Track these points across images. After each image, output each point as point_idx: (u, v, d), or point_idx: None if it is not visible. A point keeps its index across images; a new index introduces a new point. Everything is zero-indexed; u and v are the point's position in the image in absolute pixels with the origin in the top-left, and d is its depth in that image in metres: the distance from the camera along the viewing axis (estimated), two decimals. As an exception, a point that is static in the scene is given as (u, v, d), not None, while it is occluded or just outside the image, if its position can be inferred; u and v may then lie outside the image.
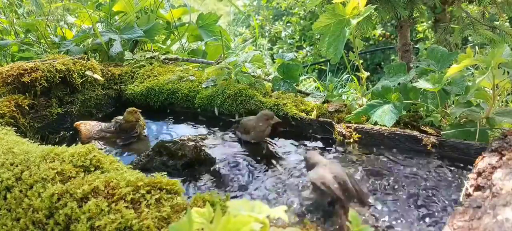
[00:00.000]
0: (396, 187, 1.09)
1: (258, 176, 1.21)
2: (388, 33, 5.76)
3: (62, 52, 2.24)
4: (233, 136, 1.51)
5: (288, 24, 6.71)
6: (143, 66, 2.05)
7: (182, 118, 1.74)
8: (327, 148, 1.37)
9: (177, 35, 2.67)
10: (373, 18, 2.07)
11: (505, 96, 1.51)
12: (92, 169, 1.00)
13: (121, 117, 1.52)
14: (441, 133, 1.33)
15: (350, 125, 1.41)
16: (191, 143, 1.28)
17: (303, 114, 1.52)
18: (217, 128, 1.60)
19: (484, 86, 1.32)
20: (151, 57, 2.17)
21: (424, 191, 1.06)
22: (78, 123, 1.54)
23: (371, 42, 5.89)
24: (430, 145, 1.26)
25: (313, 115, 1.51)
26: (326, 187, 0.96)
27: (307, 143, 1.43)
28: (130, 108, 1.50)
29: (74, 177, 0.97)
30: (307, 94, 1.83)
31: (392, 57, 5.42)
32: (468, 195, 0.88)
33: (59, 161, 1.02)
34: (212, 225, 0.59)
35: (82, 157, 1.02)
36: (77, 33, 2.65)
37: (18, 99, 1.57)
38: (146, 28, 2.29)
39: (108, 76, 1.96)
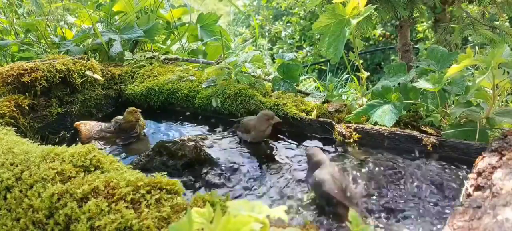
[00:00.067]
0: (395, 187, 1.09)
1: (258, 176, 1.21)
2: (388, 33, 5.76)
3: (62, 52, 2.24)
4: (233, 135, 1.51)
5: (288, 24, 6.71)
6: (143, 66, 2.05)
7: (182, 118, 1.74)
8: (327, 148, 1.37)
9: (177, 35, 2.67)
10: (373, 18, 2.07)
11: (505, 96, 1.51)
12: (92, 169, 1.00)
13: (121, 117, 1.52)
14: (441, 133, 1.33)
15: (350, 125, 1.41)
16: (191, 143, 1.28)
17: (303, 114, 1.52)
18: (217, 128, 1.60)
19: (484, 86, 1.32)
20: (151, 57, 2.17)
21: (424, 191, 1.06)
22: (78, 123, 1.54)
23: (371, 42, 5.89)
24: (430, 145, 1.26)
25: (313, 115, 1.51)
26: (328, 192, 0.97)
27: (307, 143, 1.43)
28: (130, 108, 1.50)
29: (74, 177, 0.97)
30: (307, 94, 1.83)
31: (392, 57, 5.42)
32: (468, 195, 0.88)
33: (59, 161, 1.02)
34: (212, 225, 0.59)
35: (82, 157, 1.02)
36: (77, 33, 2.65)
37: (18, 99, 1.57)
38: (146, 28, 2.29)
39: (108, 76, 1.96)
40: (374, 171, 1.18)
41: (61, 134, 1.63)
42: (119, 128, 1.50)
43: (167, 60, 2.29)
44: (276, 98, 1.63)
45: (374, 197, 1.05)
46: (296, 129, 1.51)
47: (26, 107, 1.57)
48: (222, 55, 2.09)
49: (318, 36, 4.75)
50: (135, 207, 0.86)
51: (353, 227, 0.71)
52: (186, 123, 1.69)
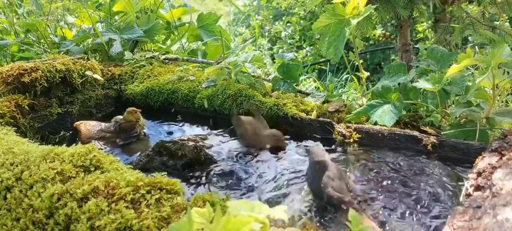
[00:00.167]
0: (395, 186, 1.09)
1: (258, 176, 1.21)
2: (388, 33, 5.76)
3: (62, 52, 2.24)
4: (233, 135, 1.51)
5: (288, 24, 6.71)
6: (143, 66, 2.05)
7: (182, 117, 1.74)
8: (327, 148, 1.37)
9: (177, 35, 2.67)
10: (373, 18, 2.07)
11: (505, 96, 1.51)
12: (92, 169, 1.00)
13: (121, 117, 1.52)
14: (441, 133, 1.33)
15: (350, 125, 1.41)
16: (191, 143, 1.28)
17: (303, 115, 1.52)
18: (217, 128, 1.60)
19: (484, 86, 1.32)
20: (151, 57, 2.17)
21: (424, 191, 1.06)
22: (78, 123, 1.54)
23: (371, 42, 5.89)
24: (430, 145, 1.26)
25: (313, 115, 1.51)
26: (330, 193, 0.97)
27: (307, 142, 1.42)
28: (130, 108, 1.50)
29: (74, 177, 0.97)
30: (307, 94, 1.83)
31: (392, 57, 5.42)
32: (468, 195, 0.88)
33: (59, 161, 1.02)
34: (212, 225, 0.59)
35: (82, 157, 1.02)
36: (77, 33, 2.65)
37: (18, 99, 1.57)
38: (146, 28, 2.29)
39: (108, 76, 1.96)
40: (374, 171, 1.18)
41: (61, 134, 1.63)
42: (119, 128, 1.50)
43: (167, 60, 2.29)
44: (276, 98, 1.63)
45: (374, 197, 1.05)
46: (296, 129, 1.51)
47: (26, 107, 1.57)
48: (222, 55, 2.09)
49: (318, 36, 4.75)
50: (135, 207, 0.86)
51: (353, 227, 0.71)
52: (186, 123, 1.69)
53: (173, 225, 0.61)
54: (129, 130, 1.51)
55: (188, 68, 2.01)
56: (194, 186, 1.17)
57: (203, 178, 1.21)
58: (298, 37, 6.41)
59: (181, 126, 1.67)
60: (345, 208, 0.96)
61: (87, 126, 1.52)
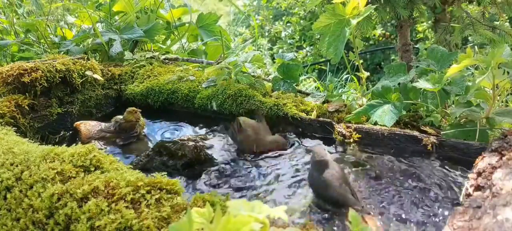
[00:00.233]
0: (395, 186, 1.09)
1: (258, 176, 1.21)
2: (388, 33, 5.76)
3: (62, 52, 2.24)
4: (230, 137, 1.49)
5: (288, 24, 6.71)
6: (143, 66, 2.05)
7: (182, 118, 1.74)
8: (327, 148, 1.37)
9: (177, 35, 2.67)
10: (373, 18, 2.07)
11: (505, 96, 1.50)
12: (92, 169, 1.00)
13: (121, 117, 1.52)
14: (441, 133, 1.33)
15: (350, 125, 1.41)
16: (191, 143, 1.28)
17: (303, 115, 1.52)
18: (217, 128, 1.60)
19: (484, 86, 1.32)
20: (151, 57, 2.17)
21: (424, 191, 1.06)
22: (78, 123, 1.54)
23: (371, 42, 5.89)
24: (430, 145, 1.26)
25: (313, 115, 1.51)
26: (332, 194, 0.97)
27: (307, 142, 1.42)
28: (130, 108, 1.50)
29: (74, 177, 0.97)
30: (307, 94, 1.83)
31: (392, 57, 5.42)
32: (468, 195, 0.88)
33: (59, 161, 1.02)
34: (212, 225, 0.59)
35: (82, 157, 1.02)
36: (77, 33, 2.65)
37: (18, 99, 1.57)
38: (146, 28, 2.29)
39: (108, 76, 1.96)
40: (374, 171, 1.18)
41: (61, 134, 1.63)
42: (119, 128, 1.50)
43: (167, 60, 2.29)
44: (276, 98, 1.63)
45: (374, 197, 1.05)
46: (296, 129, 1.51)
47: (26, 107, 1.57)
48: (222, 55, 2.09)
49: (318, 36, 4.75)
50: (135, 207, 0.86)
51: (353, 227, 0.71)
52: (186, 123, 1.69)
53: (173, 225, 0.61)
54: (129, 130, 1.51)
55: (188, 68, 2.01)
56: (194, 186, 1.17)
57: (203, 178, 1.21)
58: (298, 37, 6.41)
59: (181, 126, 1.67)
60: (347, 208, 0.96)
61: (87, 126, 1.52)
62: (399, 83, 1.50)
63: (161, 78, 1.91)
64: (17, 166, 1.05)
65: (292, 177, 1.18)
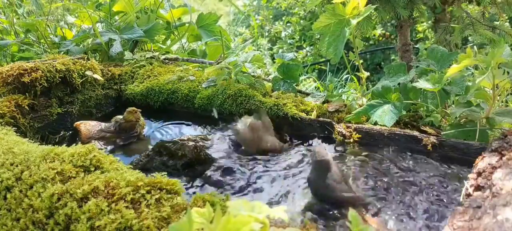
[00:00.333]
0: (395, 186, 1.09)
1: (258, 176, 1.21)
2: (388, 33, 5.76)
3: (62, 52, 2.24)
4: (233, 135, 1.51)
5: (288, 24, 6.71)
6: (143, 66, 2.05)
7: (182, 117, 1.74)
8: (327, 148, 1.37)
9: (177, 35, 2.67)
10: (373, 18, 2.07)
11: (505, 96, 1.50)
12: (92, 169, 1.00)
13: (121, 117, 1.52)
14: (441, 133, 1.33)
15: (350, 125, 1.41)
16: (191, 143, 1.28)
17: (303, 114, 1.52)
18: (217, 128, 1.60)
19: (484, 86, 1.32)
20: (151, 57, 2.17)
21: (424, 191, 1.06)
22: (78, 123, 1.54)
23: (371, 42, 5.89)
24: (430, 145, 1.26)
25: (313, 115, 1.51)
26: (334, 195, 0.97)
27: (306, 143, 1.42)
28: (130, 108, 1.50)
29: (74, 177, 0.97)
30: (307, 94, 1.83)
31: (392, 57, 5.42)
32: (468, 195, 0.88)
33: (59, 161, 1.02)
34: (212, 225, 0.59)
35: (82, 157, 1.02)
36: (77, 33, 2.65)
37: (18, 99, 1.57)
38: (146, 28, 2.29)
39: (108, 76, 1.96)
40: (374, 171, 1.18)
41: (61, 134, 1.63)
42: (119, 128, 1.50)
43: (167, 60, 2.29)
44: (276, 98, 1.63)
45: (374, 197, 1.05)
46: (296, 129, 1.51)
47: (26, 107, 1.57)
48: (222, 55, 2.09)
49: (318, 36, 4.75)
50: (135, 207, 0.86)
51: (353, 227, 0.71)
52: (186, 123, 1.69)
53: (173, 225, 0.60)
54: (129, 130, 1.51)
55: (188, 68, 2.01)
56: (194, 186, 1.17)
57: (203, 178, 1.20)
58: (298, 37, 6.41)
59: (181, 126, 1.67)
60: (347, 208, 0.96)
61: (87, 126, 1.52)
62: (399, 83, 1.50)
63: (161, 78, 1.91)
64: (17, 166, 1.05)
65: (292, 176, 1.18)
